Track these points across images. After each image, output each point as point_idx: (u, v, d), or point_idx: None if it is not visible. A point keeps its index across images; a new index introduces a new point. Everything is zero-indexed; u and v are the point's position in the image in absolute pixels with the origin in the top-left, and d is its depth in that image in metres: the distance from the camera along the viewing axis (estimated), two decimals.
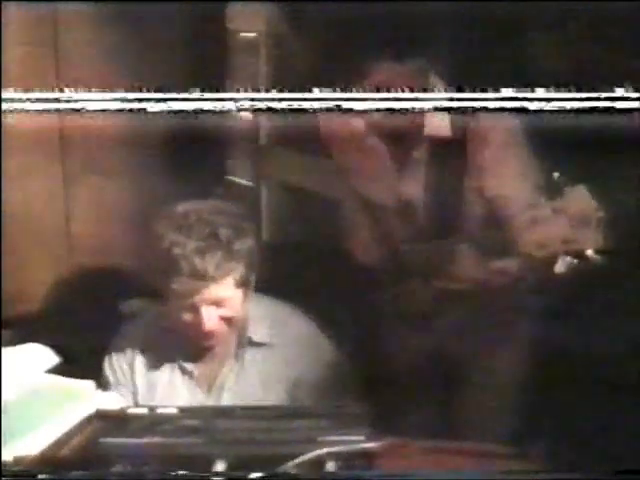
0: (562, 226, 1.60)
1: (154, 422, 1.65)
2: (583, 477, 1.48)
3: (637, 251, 2.02)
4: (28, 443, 1.58)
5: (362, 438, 1.56)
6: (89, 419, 1.67)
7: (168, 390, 2.08)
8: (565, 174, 1.65)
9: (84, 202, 2.47)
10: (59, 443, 1.61)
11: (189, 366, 2.09)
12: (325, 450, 1.52)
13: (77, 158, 2.43)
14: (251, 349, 2.06)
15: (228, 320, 2.00)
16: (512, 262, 1.83)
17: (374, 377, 2.07)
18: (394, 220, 2.13)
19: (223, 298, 1.97)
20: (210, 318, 1.97)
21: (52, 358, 1.85)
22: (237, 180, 2.45)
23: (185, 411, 1.71)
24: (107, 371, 2.11)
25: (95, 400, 1.73)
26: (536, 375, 2.13)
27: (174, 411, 1.70)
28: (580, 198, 1.61)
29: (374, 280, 2.14)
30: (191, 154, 2.35)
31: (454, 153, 2.04)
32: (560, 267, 1.63)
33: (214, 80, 1.83)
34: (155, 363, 2.10)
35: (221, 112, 1.77)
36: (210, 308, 1.96)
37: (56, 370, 1.81)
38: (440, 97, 1.77)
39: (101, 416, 1.68)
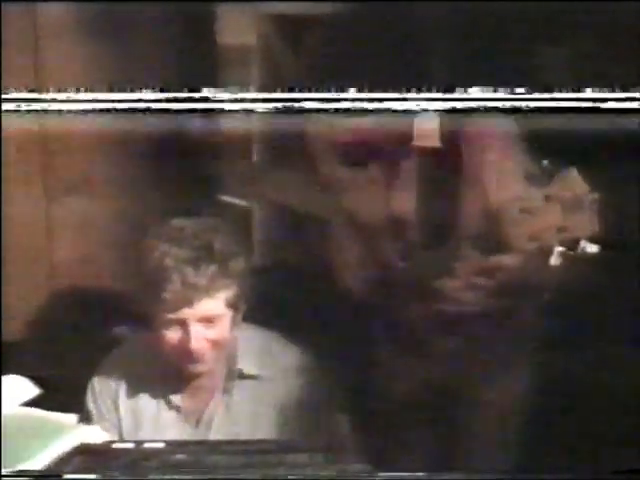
0: (555, 214, 1.55)
1: (140, 457, 1.59)
2: (583, 477, 1.45)
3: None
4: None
5: (360, 474, 1.51)
6: (72, 453, 1.60)
7: (154, 425, 2.02)
8: (555, 161, 1.59)
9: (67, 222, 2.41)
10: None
11: (176, 399, 2.03)
12: None
13: (60, 177, 2.37)
14: (240, 382, 2.01)
15: (216, 344, 1.95)
16: (508, 258, 1.76)
17: (368, 408, 2.02)
18: (385, 238, 2.07)
19: (213, 315, 1.92)
20: (198, 337, 1.92)
21: (31, 390, 1.78)
22: (228, 199, 2.40)
23: (172, 446, 1.65)
24: (90, 404, 2.04)
25: (78, 434, 1.66)
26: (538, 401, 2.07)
27: (161, 446, 1.64)
28: (571, 182, 1.55)
29: (366, 304, 2.08)
30: (180, 172, 2.30)
31: (444, 163, 1.99)
32: (556, 259, 1.57)
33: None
34: (140, 396, 2.04)
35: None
36: (199, 326, 1.92)
37: (36, 402, 1.75)
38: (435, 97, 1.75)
39: (84, 451, 1.61)
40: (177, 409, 2.03)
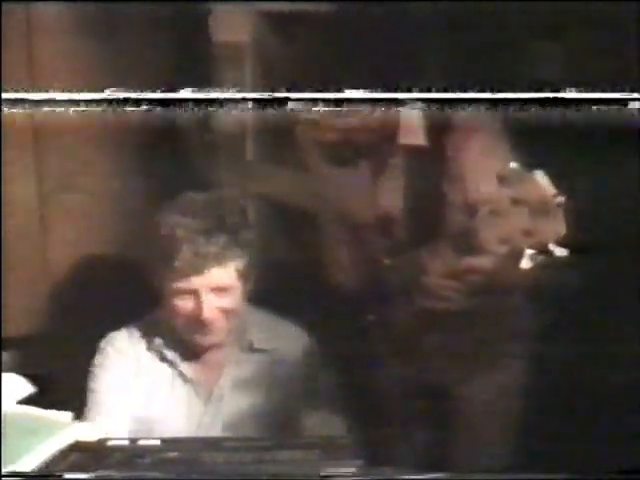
0: (522, 217, 1.54)
1: (135, 454, 1.59)
2: (585, 477, 1.45)
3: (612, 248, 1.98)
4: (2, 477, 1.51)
5: (354, 470, 1.51)
6: (66, 451, 1.60)
7: (166, 400, 2.03)
8: (524, 161, 1.59)
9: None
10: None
11: (188, 372, 2.04)
12: None
13: (53, 175, 2.36)
14: (251, 355, 2.03)
15: (227, 314, 1.96)
16: (483, 259, 1.76)
17: (363, 406, 2.02)
18: (373, 234, 2.07)
19: (224, 285, 1.95)
20: (209, 306, 1.94)
21: (27, 388, 1.78)
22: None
23: (168, 443, 1.65)
24: (107, 366, 2.04)
25: (73, 431, 1.66)
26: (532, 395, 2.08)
27: (157, 443, 1.65)
28: (538, 185, 1.55)
29: (356, 301, 2.08)
30: (173, 168, 2.30)
31: (429, 161, 1.99)
32: (526, 263, 1.57)
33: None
34: (156, 368, 2.05)
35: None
36: (210, 295, 1.93)
37: (32, 400, 1.75)
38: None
39: (79, 448, 1.62)
40: (190, 382, 2.03)
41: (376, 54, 1.95)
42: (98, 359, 2.05)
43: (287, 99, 1.78)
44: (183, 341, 2.02)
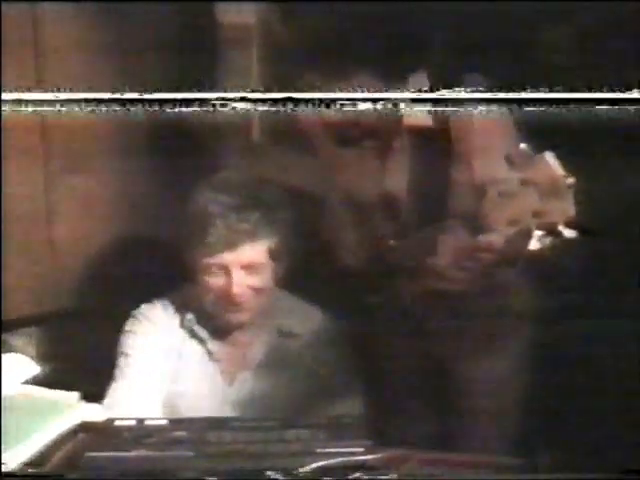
0: (531, 198, 1.54)
1: (142, 434, 1.58)
2: (588, 477, 1.44)
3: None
4: (9, 457, 1.51)
5: (361, 450, 1.50)
6: (74, 431, 1.60)
7: (192, 374, 2.03)
8: (532, 144, 1.59)
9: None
10: (42, 456, 1.54)
11: (216, 349, 2.03)
12: (322, 463, 1.46)
13: (59, 157, 2.35)
14: (279, 339, 2.03)
15: (257, 292, 1.96)
16: (492, 237, 1.75)
17: (371, 386, 2.02)
18: (380, 216, 2.06)
19: (255, 262, 1.94)
20: (239, 283, 1.93)
21: (33, 368, 1.78)
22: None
23: (175, 422, 1.65)
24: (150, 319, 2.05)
25: (79, 412, 1.65)
26: (537, 380, 2.07)
27: (163, 422, 1.64)
28: (547, 166, 1.54)
29: (363, 282, 2.08)
30: (177, 152, 2.29)
31: (436, 142, 1.97)
32: (535, 244, 1.56)
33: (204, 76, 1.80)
34: (188, 341, 2.04)
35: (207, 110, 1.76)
36: (240, 272, 1.93)
37: (38, 380, 1.75)
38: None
39: (86, 428, 1.62)
40: (217, 361, 2.03)
41: (383, 39, 1.94)
42: (130, 325, 2.04)
43: (289, 99, 1.78)
44: (213, 319, 2.02)
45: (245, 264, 1.93)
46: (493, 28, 2.08)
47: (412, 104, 1.83)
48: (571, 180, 1.54)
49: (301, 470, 1.45)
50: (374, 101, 1.79)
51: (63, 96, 1.77)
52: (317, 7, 2.02)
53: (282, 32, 2.25)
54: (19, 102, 1.77)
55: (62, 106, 1.77)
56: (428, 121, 1.97)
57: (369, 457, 1.49)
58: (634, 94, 1.72)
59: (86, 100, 1.76)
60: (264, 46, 2.33)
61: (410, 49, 1.94)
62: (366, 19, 1.94)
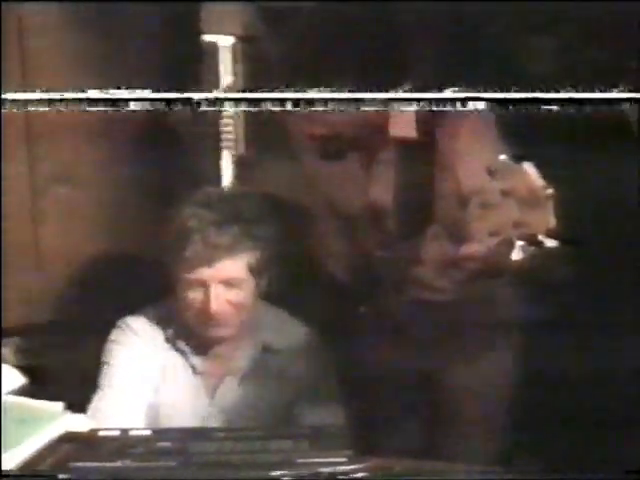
0: (511, 209, 1.55)
1: (126, 444, 1.59)
2: (591, 477, 1.45)
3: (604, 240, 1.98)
4: None
5: (344, 460, 1.51)
6: (58, 441, 1.61)
7: (174, 386, 2.03)
8: (514, 154, 1.60)
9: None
10: (27, 466, 1.54)
11: (198, 363, 2.03)
12: (305, 473, 1.47)
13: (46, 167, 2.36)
14: (261, 353, 2.02)
15: (237, 308, 1.95)
16: (479, 247, 1.76)
17: (354, 395, 2.02)
18: (364, 227, 2.07)
19: (234, 277, 1.93)
20: (218, 298, 1.92)
21: (18, 378, 1.78)
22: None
23: (159, 433, 1.66)
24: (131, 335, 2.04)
25: (64, 422, 1.66)
26: (525, 386, 2.08)
27: (147, 433, 1.65)
28: (526, 176, 1.55)
29: (349, 292, 2.09)
30: (164, 161, 2.30)
31: (420, 153, 1.99)
32: (517, 254, 1.57)
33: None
34: (171, 354, 2.04)
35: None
36: (219, 287, 1.92)
37: (22, 390, 1.75)
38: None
39: (71, 438, 1.62)
40: (199, 374, 2.03)
41: (367, 49, 1.95)
42: (114, 335, 2.04)
43: (280, 99, 1.78)
44: (194, 333, 2.01)
45: (224, 279, 1.93)
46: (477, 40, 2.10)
47: (399, 103, 1.83)
48: (550, 190, 1.55)
49: None
50: (360, 101, 1.79)
51: (47, 96, 1.77)
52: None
53: (267, 42, 2.26)
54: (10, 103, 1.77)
55: (49, 105, 1.77)
56: (412, 133, 1.98)
57: (352, 467, 1.50)
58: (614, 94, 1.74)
59: (72, 100, 1.76)
60: (249, 57, 2.35)
61: (394, 63, 1.95)
62: (350, 30, 1.96)
